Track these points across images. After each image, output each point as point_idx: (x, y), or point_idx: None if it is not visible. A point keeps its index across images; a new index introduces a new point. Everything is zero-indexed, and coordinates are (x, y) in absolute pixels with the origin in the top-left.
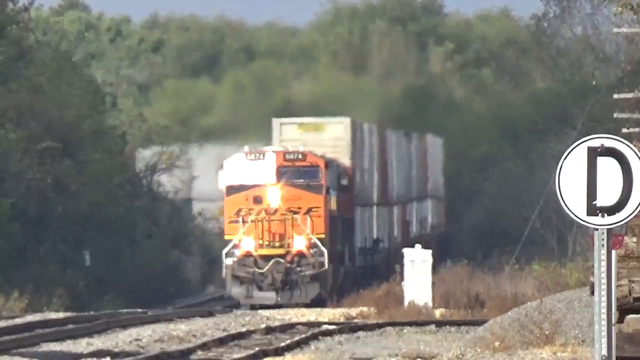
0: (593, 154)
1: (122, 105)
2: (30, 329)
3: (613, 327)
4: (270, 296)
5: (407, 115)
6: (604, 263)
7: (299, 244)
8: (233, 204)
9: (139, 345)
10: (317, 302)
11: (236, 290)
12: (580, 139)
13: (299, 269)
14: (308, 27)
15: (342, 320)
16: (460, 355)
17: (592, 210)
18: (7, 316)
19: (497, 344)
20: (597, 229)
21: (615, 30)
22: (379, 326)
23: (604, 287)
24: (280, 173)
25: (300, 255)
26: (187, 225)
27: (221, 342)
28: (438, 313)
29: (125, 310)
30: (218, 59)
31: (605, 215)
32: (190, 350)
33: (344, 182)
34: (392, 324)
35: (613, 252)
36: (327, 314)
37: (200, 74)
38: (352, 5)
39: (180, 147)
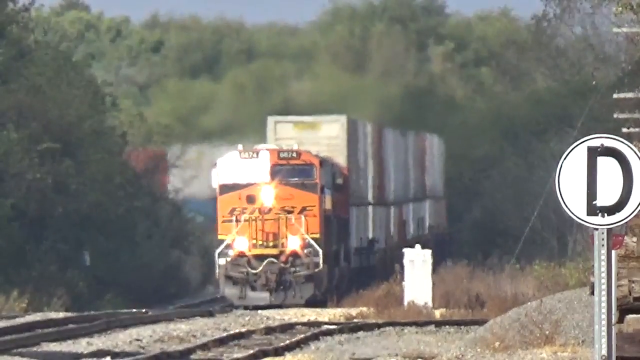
0: (593, 153)
1: (122, 105)
2: (31, 329)
3: (613, 327)
4: (263, 297)
5: (407, 116)
6: (604, 263)
7: (293, 243)
8: (226, 203)
9: (139, 345)
10: (317, 302)
11: (229, 291)
12: (580, 138)
13: (293, 269)
14: (308, 27)
15: (342, 320)
16: (460, 356)
17: (592, 210)
18: (7, 316)
19: (497, 344)
20: (597, 229)
21: (615, 30)
22: (379, 326)
23: (604, 287)
24: (274, 172)
25: (295, 255)
26: (187, 225)
27: (221, 342)
28: (438, 313)
29: (125, 310)
30: (218, 59)
31: (605, 215)
32: (190, 350)
33: (339, 181)
34: (392, 324)
35: (613, 252)
36: (327, 314)
37: (200, 74)
38: (352, 5)
39: (181, 147)
